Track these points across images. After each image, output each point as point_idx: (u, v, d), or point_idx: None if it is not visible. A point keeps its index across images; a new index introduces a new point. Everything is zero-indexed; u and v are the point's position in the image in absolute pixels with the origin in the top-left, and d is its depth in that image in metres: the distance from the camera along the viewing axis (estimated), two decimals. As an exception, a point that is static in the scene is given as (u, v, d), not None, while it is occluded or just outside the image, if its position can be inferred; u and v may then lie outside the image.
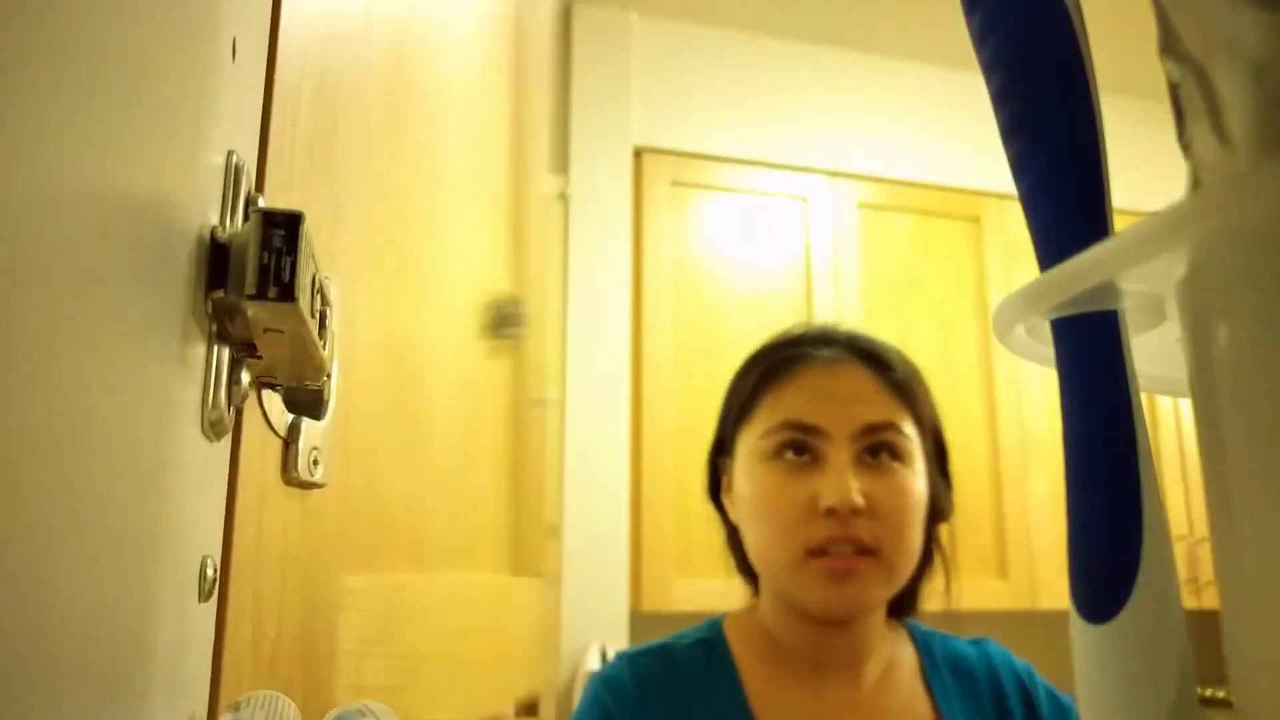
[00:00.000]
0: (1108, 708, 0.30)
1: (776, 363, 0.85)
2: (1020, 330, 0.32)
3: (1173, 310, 0.30)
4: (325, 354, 0.34)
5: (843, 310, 2.22)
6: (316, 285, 0.32)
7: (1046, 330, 0.31)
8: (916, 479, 0.80)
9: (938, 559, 0.89)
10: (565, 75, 2.25)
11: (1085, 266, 0.26)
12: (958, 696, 0.83)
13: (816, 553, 0.76)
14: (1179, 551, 2.26)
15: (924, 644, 0.88)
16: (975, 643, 0.93)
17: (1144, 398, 0.31)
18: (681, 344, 2.10)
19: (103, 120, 0.24)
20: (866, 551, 0.76)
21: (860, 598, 0.77)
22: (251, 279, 0.29)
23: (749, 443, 0.83)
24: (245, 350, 0.32)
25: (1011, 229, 2.38)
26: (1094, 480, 0.30)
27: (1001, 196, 2.38)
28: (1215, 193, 0.25)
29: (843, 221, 2.29)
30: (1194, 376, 0.28)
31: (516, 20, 1.03)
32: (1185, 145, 0.29)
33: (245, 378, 0.32)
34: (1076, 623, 0.30)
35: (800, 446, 0.80)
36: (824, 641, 0.83)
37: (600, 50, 2.24)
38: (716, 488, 0.90)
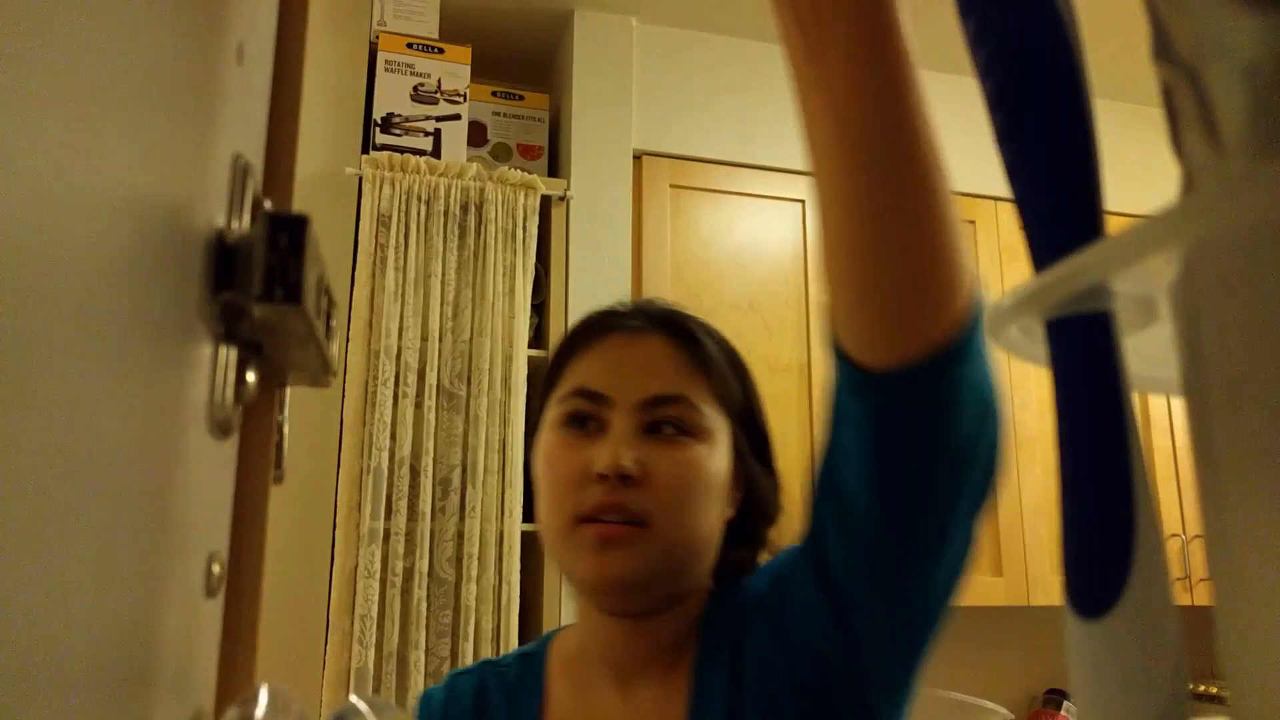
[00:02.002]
0: (1101, 703, 0.30)
1: (583, 332, 0.82)
2: (1014, 330, 0.32)
3: (1165, 311, 0.30)
4: (332, 354, 0.35)
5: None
6: (322, 286, 0.32)
7: (1040, 330, 0.32)
8: (706, 457, 0.75)
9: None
10: (566, 79, 2.25)
11: (1078, 268, 0.27)
12: (724, 663, 0.75)
13: (586, 520, 0.72)
14: (1172, 549, 2.27)
15: (715, 628, 0.79)
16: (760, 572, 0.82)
17: (1136, 397, 0.31)
18: (677, 345, 2.10)
19: (112, 124, 0.24)
20: (636, 522, 0.72)
21: (628, 567, 0.71)
22: (258, 280, 0.29)
23: (549, 413, 0.80)
24: (252, 350, 0.32)
25: (1005, 231, 2.39)
26: (1087, 478, 0.30)
27: (996, 199, 2.39)
28: (1207, 195, 0.25)
29: (838, 222, 2.29)
30: (1186, 376, 0.29)
31: None
32: (1178, 148, 0.29)
33: (251, 377, 0.32)
34: (1070, 619, 0.30)
35: (587, 416, 0.76)
36: (620, 641, 0.78)
37: (601, 55, 2.24)
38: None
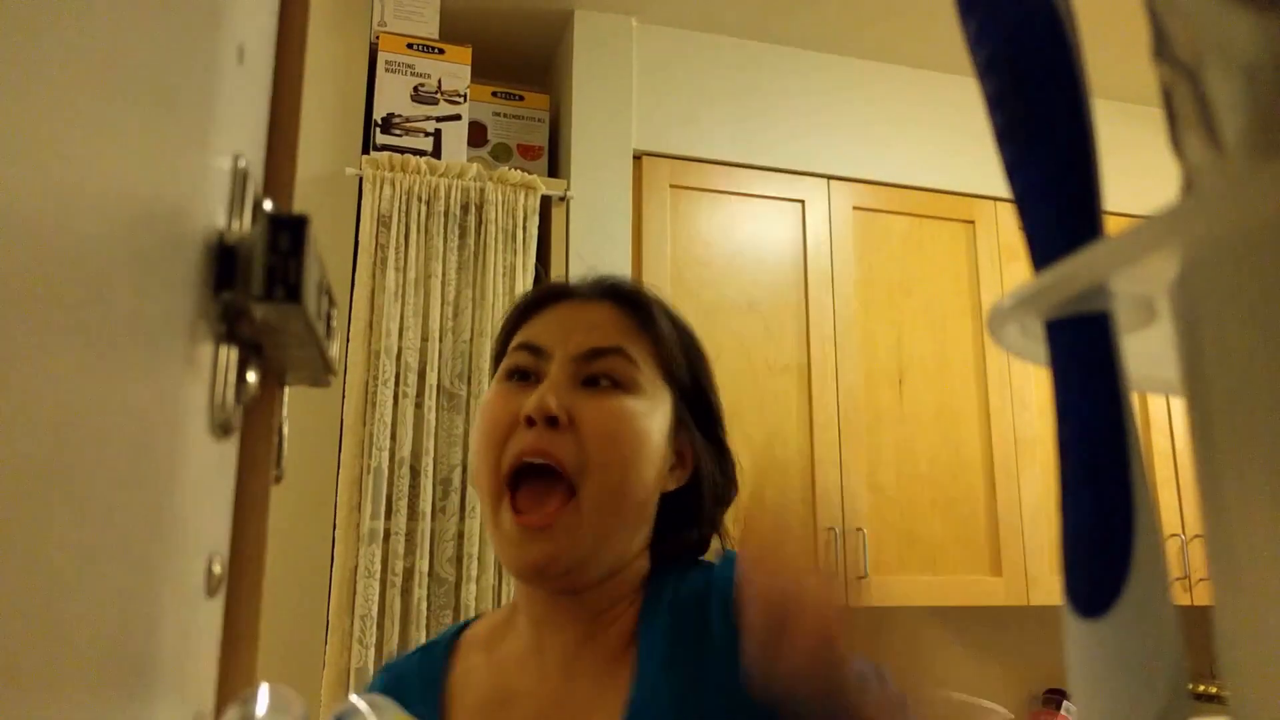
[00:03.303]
0: (1101, 703, 0.30)
1: (534, 298, 0.82)
2: (1014, 330, 0.32)
3: (1164, 311, 0.30)
4: (332, 354, 0.35)
5: (839, 311, 2.22)
6: (323, 286, 0.32)
7: (1040, 330, 0.32)
8: (639, 411, 0.73)
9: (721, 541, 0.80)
10: (566, 79, 2.25)
11: (1078, 268, 0.27)
12: (665, 649, 0.71)
13: (512, 485, 0.70)
14: (1171, 549, 2.27)
15: (656, 593, 0.75)
16: (716, 567, 0.77)
17: (1136, 396, 0.31)
18: (677, 345, 2.11)
19: (112, 124, 0.24)
20: (560, 477, 0.69)
21: (550, 554, 0.69)
22: (259, 280, 0.30)
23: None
24: (252, 350, 0.32)
25: (1005, 231, 2.39)
26: (1086, 478, 0.31)
27: (995, 199, 2.39)
28: (1207, 196, 0.25)
29: (839, 224, 2.29)
30: (1185, 376, 0.29)
31: None
32: (1177, 148, 0.29)
33: (252, 377, 0.32)
34: (1069, 619, 0.30)
35: (527, 371, 0.75)
36: (548, 609, 0.75)
37: (601, 55, 2.24)
38: None
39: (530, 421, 0.71)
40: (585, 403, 0.72)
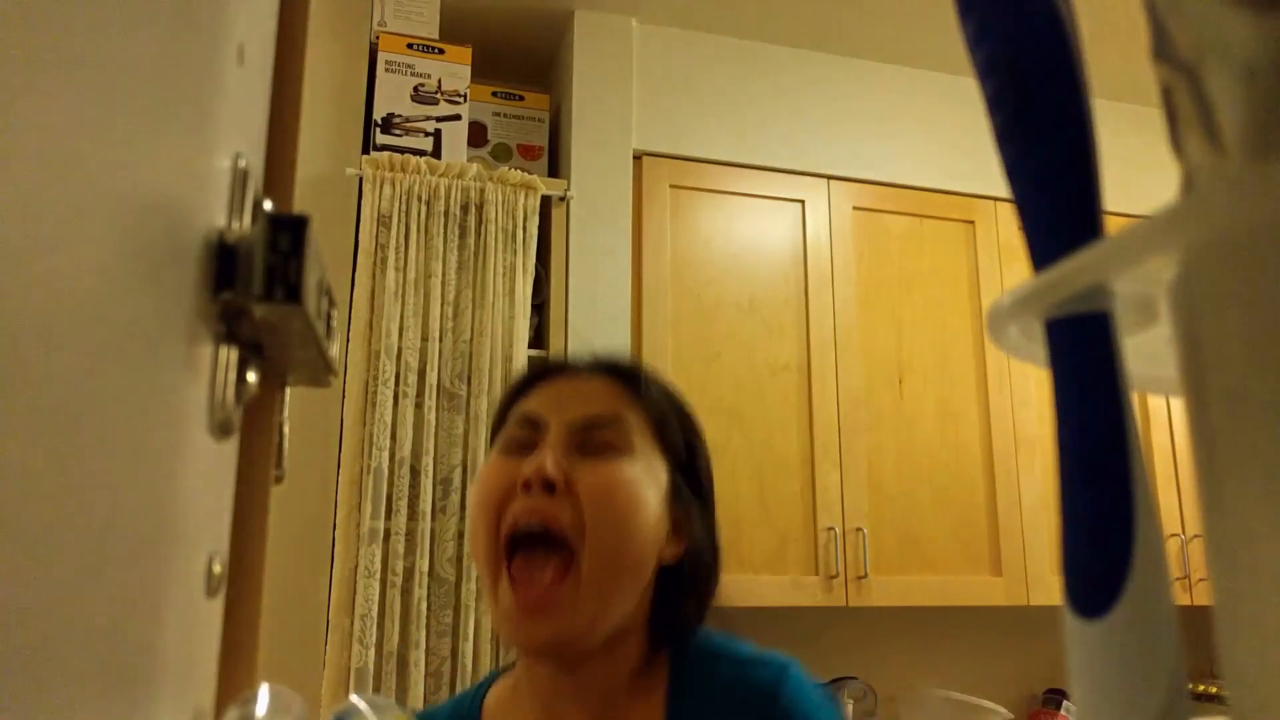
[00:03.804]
0: (1100, 703, 0.30)
1: (531, 375, 0.84)
2: (1013, 330, 0.32)
3: (1165, 311, 0.30)
4: (332, 354, 0.35)
5: (839, 311, 2.22)
6: (323, 287, 0.32)
7: (1040, 330, 0.32)
8: (637, 476, 0.74)
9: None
10: (566, 80, 2.25)
11: (1078, 268, 0.27)
12: None
13: (510, 553, 0.70)
14: (1171, 549, 2.27)
15: (681, 677, 0.75)
16: (765, 665, 0.75)
17: (1136, 397, 0.31)
18: (681, 345, 2.11)
19: (112, 124, 0.24)
20: (557, 543, 0.69)
21: (551, 630, 0.69)
22: (258, 281, 0.29)
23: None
24: (253, 350, 0.32)
25: (1005, 231, 2.39)
26: (1086, 478, 0.30)
27: (995, 199, 2.39)
28: (1207, 196, 0.25)
29: (839, 224, 2.29)
30: (1185, 376, 0.29)
31: None
32: (1177, 148, 0.29)
33: (252, 377, 0.32)
34: (1069, 619, 0.30)
35: (523, 442, 0.75)
36: (552, 685, 0.75)
37: (601, 55, 2.24)
38: None
39: (527, 487, 0.71)
40: (582, 468, 0.72)
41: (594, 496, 0.71)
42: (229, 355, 0.31)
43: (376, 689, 1.73)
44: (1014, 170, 0.33)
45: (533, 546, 0.70)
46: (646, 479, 0.75)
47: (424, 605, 1.79)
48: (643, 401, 0.78)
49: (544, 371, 0.83)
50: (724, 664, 0.76)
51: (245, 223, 0.32)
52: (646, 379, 0.81)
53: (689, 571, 0.78)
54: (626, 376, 0.81)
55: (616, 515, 0.71)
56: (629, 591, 0.73)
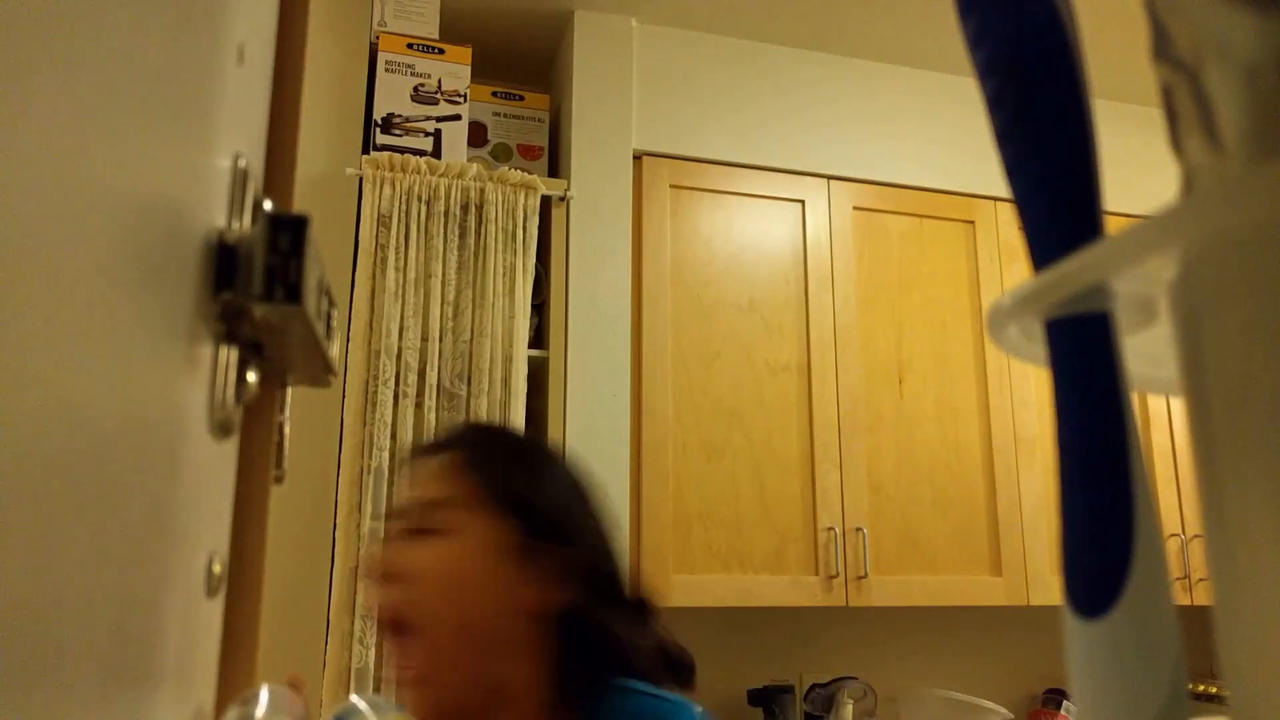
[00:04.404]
0: (1100, 703, 0.30)
1: (403, 465, 0.93)
2: (1013, 330, 0.32)
3: (1165, 311, 0.30)
4: (332, 354, 0.35)
5: (839, 311, 2.22)
6: (323, 287, 0.32)
7: (1040, 330, 0.32)
8: (456, 549, 0.78)
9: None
10: (566, 79, 2.25)
11: (1078, 268, 0.27)
12: None
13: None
14: (1171, 549, 2.27)
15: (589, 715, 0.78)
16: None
17: (1136, 397, 0.31)
18: (681, 345, 2.11)
19: (113, 125, 0.24)
20: (403, 629, 0.76)
21: (438, 699, 0.75)
22: (258, 281, 0.29)
23: None
24: (253, 350, 0.32)
25: (1005, 231, 2.39)
26: (1086, 478, 0.30)
27: (995, 199, 2.39)
28: (1207, 196, 0.25)
29: (839, 224, 2.29)
30: (1186, 376, 0.29)
31: None
32: (1177, 148, 0.29)
33: (252, 377, 0.32)
34: (1069, 619, 0.30)
35: (387, 531, 0.83)
36: None
37: (601, 55, 2.24)
38: None
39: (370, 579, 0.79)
40: (410, 554, 0.79)
41: (418, 581, 0.77)
42: (229, 355, 0.31)
43: (376, 689, 1.73)
44: (1014, 170, 0.33)
45: (393, 632, 0.78)
46: (468, 550, 0.79)
47: (424, 605, 1.79)
48: (472, 468, 0.83)
49: (407, 459, 0.91)
50: (629, 702, 0.78)
51: (245, 223, 0.32)
52: (476, 441, 0.88)
53: (579, 610, 0.81)
54: (458, 444, 0.87)
55: (438, 594, 0.77)
56: (494, 654, 0.78)
